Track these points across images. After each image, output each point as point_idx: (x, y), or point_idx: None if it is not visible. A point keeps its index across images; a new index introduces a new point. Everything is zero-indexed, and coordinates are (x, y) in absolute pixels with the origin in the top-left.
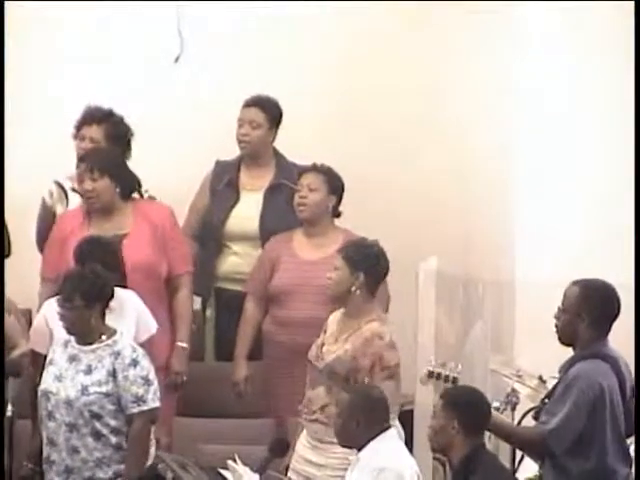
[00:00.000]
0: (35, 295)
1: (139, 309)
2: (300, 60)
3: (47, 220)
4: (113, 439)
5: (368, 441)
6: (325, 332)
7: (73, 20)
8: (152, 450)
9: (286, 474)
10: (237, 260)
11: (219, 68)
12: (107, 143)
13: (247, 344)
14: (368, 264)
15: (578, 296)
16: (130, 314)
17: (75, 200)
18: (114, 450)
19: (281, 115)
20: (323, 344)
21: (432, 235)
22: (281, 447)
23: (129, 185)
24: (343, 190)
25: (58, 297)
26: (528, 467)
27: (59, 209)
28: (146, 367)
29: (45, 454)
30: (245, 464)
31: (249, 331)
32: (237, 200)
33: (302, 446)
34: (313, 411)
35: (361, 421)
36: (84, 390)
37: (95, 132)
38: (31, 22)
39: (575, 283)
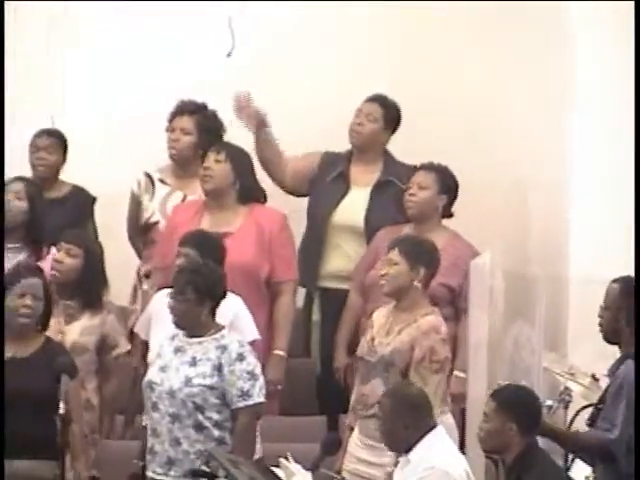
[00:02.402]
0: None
1: (238, 314)
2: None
3: (133, 211)
4: (215, 432)
5: (416, 442)
6: (372, 327)
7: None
8: (258, 446)
9: (339, 473)
10: (342, 258)
11: (272, 63)
12: (198, 134)
13: (347, 333)
14: (427, 259)
15: (618, 294)
16: (227, 316)
17: (163, 192)
18: (216, 443)
19: (399, 120)
20: (373, 338)
21: (486, 230)
22: (333, 445)
23: (249, 189)
24: (456, 190)
25: (170, 290)
26: (581, 465)
27: (145, 200)
28: (252, 362)
29: (149, 445)
30: (297, 462)
31: (349, 320)
32: (346, 193)
33: (354, 445)
34: (370, 405)
35: (407, 423)
36: (188, 381)
37: (186, 122)
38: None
39: (615, 281)
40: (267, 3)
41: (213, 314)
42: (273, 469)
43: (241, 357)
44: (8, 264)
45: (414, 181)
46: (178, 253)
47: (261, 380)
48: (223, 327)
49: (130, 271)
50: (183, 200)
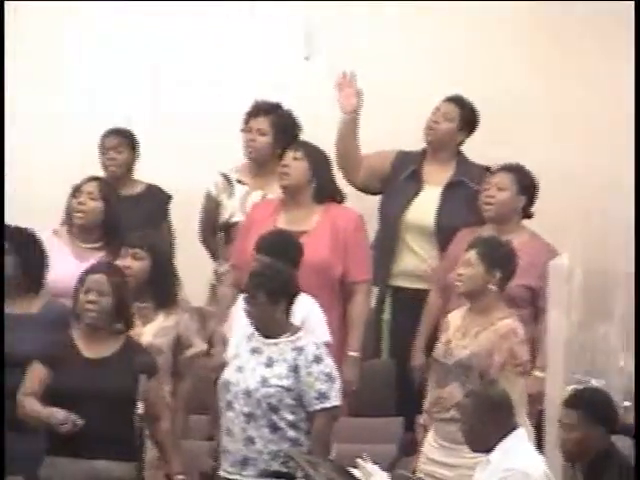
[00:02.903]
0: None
1: (310, 316)
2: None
3: (210, 211)
4: (290, 433)
5: (497, 443)
6: (448, 329)
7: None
8: (334, 446)
9: (413, 474)
10: (413, 257)
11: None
12: (274, 134)
13: (426, 334)
14: (504, 262)
15: None
16: (297, 317)
17: (242, 192)
18: (291, 444)
19: (476, 121)
20: (450, 341)
21: (566, 228)
22: (410, 445)
23: (326, 188)
24: (535, 190)
25: (244, 293)
26: None
27: (224, 200)
28: (329, 364)
29: (223, 444)
30: (375, 462)
31: (429, 321)
32: (418, 192)
33: (429, 447)
34: (448, 408)
35: (488, 423)
36: (264, 382)
37: (261, 123)
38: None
39: None
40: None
41: (287, 314)
42: (350, 470)
43: (318, 359)
44: (87, 264)
45: (492, 182)
46: (253, 257)
47: (338, 382)
48: (299, 328)
49: (206, 271)
50: (262, 199)
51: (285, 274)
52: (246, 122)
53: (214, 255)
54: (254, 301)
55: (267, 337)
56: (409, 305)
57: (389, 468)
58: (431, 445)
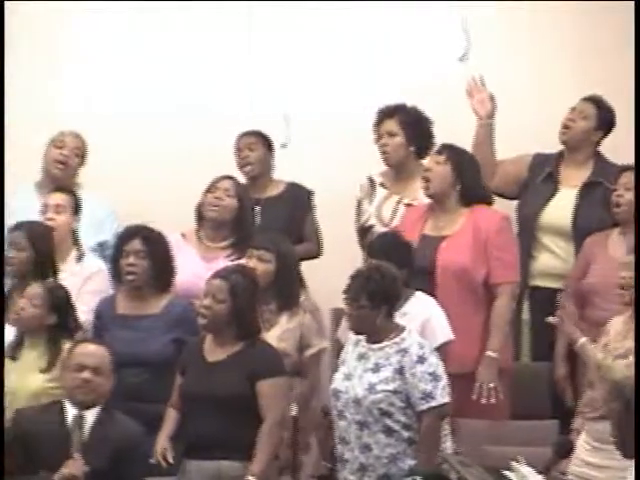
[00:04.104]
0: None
1: (431, 315)
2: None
3: (357, 214)
4: (405, 434)
5: None
6: (608, 334)
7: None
8: (448, 444)
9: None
10: (551, 256)
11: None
12: (404, 133)
13: (565, 342)
14: None
15: None
16: (419, 319)
17: (380, 196)
18: (407, 445)
19: (612, 122)
20: (607, 344)
21: None
22: (565, 448)
23: (471, 191)
24: None
25: (345, 297)
26: None
27: (365, 203)
28: (434, 363)
29: (338, 452)
30: (529, 465)
31: (566, 329)
32: (555, 193)
33: (581, 448)
34: (599, 408)
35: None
36: (372, 388)
37: (390, 125)
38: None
39: None
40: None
41: (390, 317)
42: (505, 472)
43: (421, 359)
44: (213, 265)
45: (620, 183)
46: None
47: (444, 380)
48: (403, 329)
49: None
50: (397, 204)
51: (389, 277)
52: (376, 131)
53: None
54: (356, 304)
55: (372, 342)
56: (548, 305)
57: (544, 471)
58: (583, 447)
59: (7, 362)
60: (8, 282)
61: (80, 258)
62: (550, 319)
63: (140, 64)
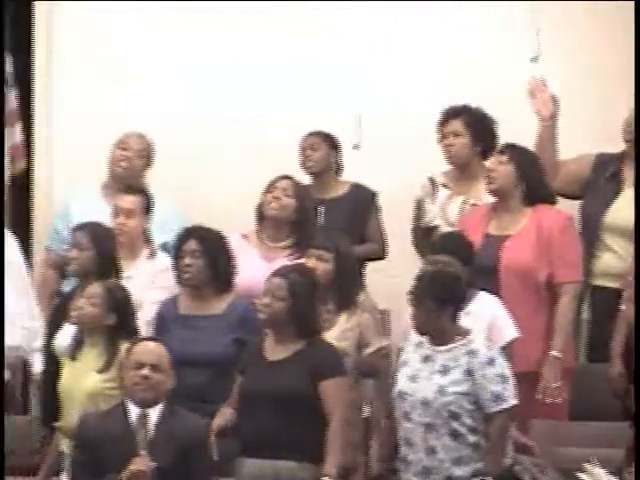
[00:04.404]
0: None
1: (496, 314)
2: None
3: (416, 214)
4: (471, 438)
5: None
6: None
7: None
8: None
9: None
10: (613, 256)
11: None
12: (469, 134)
13: (621, 342)
14: None
15: None
16: (484, 319)
17: (443, 196)
18: (472, 449)
19: None
20: None
21: None
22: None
23: (535, 190)
24: None
25: (410, 298)
26: None
27: (428, 203)
28: (502, 365)
29: (402, 454)
30: (603, 467)
31: (623, 329)
32: (619, 193)
33: None
34: None
35: None
36: (441, 391)
37: (455, 125)
38: None
39: None
40: None
41: (455, 317)
42: (579, 474)
43: (491, 361)
44: (274, 265)
45: None
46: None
47: (512, 382)
48: (469, 331)
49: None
50: (464, 204)
51: (453, 278)
52: (440, 131)
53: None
54: (420, 305)
55: (437, 344)
56: (608, 304)
57: (617, 473)
58: None
59: (66, 362)
60: (71, 282)
61: (152, 256)
62: None
63: (208, 64)
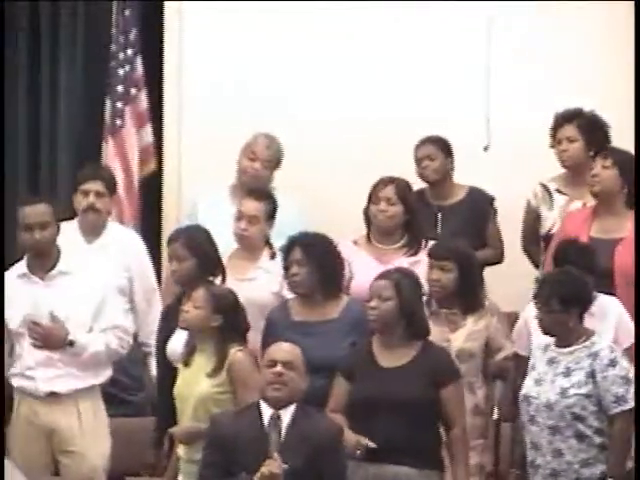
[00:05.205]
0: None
1: (620, 315)
2: None
3: (529, 221)
4: (597, 439)
5: None
6: None
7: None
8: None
9: None
10: None
11: None
12: (584, 138)
13: None
14: None
15: None
16: (610, 319)
17: (561, 202)
18: (599, 450)
19: None
20: None
21: None
22: None
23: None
24: None
25: (536, 300)
26: None
27: (544, 210)
28: (625, 367)
29: (529, 458)
30: None
31: None
32: None
33: None
34: None
35: None
36: (563, 393)
37: (569, 131)
38: None
39: None
40: None
41: (581, 319)
42: None
43: (613, 363)
44: (390, 266)
45: None
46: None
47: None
48: (593, 333)
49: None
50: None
51: (579, 281)
52: (553, 136)
53: (536, 264)
54: (546, 308)
55: (563, 346)
56: None
57: None
58: None
59: (180, 368)
60: (177, 290)
61: (273, 256)
62: None
63: (337, 71)
